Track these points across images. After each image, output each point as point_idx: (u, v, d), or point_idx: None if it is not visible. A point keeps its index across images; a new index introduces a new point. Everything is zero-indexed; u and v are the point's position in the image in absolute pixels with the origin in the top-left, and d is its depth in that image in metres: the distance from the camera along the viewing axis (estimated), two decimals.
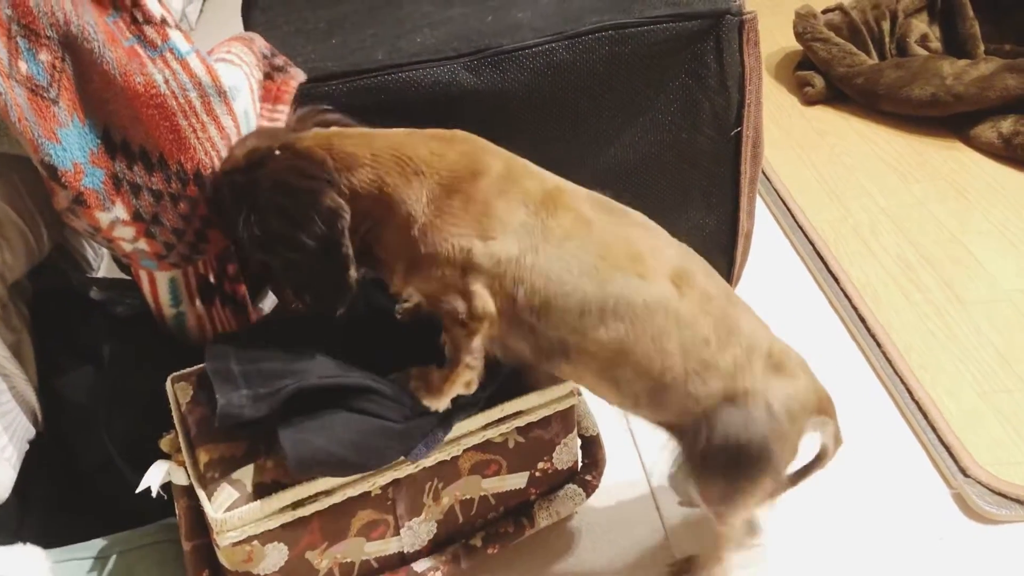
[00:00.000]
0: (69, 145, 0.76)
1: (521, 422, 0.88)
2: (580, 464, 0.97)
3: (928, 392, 1.11)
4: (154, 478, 0.82)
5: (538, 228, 0.74)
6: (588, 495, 0.95)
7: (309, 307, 0.79)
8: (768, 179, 1.55)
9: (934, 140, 1.62)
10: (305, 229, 0.72)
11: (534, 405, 0.87)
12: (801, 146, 1.64)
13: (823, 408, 0.84)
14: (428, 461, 0.84)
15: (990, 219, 1.41)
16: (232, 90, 0.84)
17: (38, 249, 0.96)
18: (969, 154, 1.57)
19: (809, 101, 1.78)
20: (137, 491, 0.82)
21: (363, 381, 0.78)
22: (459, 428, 0.84)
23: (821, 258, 1.35)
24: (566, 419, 0.91)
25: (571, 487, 0.95)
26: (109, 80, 0.73)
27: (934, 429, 1.06)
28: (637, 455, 1.06)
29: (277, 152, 0.75)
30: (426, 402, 0.80)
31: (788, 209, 1.46)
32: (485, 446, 0.88)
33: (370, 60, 0.98)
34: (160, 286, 0.91)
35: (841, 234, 1.40)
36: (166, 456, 0.85)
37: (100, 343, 0.95)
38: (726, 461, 0.76)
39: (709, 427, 0.76)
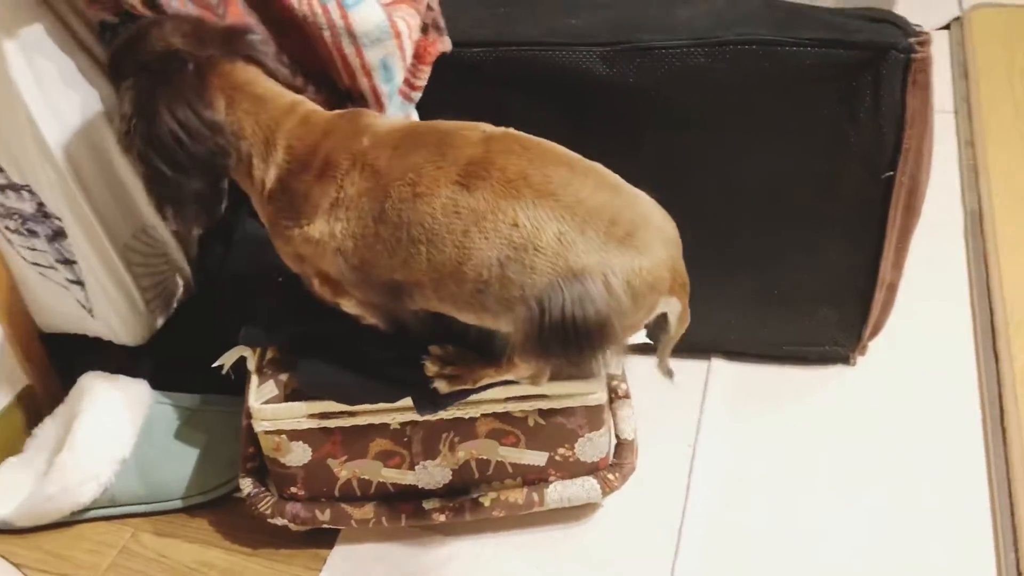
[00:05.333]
0: None
1: (543, 405, 0.92)
2: (610, 463, 0.99)
3: None
4: (228, 358, 0.98)
5: (341, 199, 0.79)
6: (604, 493, 0.97)
7: (166, 220, 0.88)
8: (982, 226, 1.38)
9: None
10: (190, 159, 0.79)
11: (557, 393, 0.91)
12: None
13: (675, 289, 0.79)
14: (445, 415, 0.91)
15: None
16: (364, 36, 0.92)
17: None
18: None
19: None
20: (213, 365, 0.98)
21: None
22: (481, 393, 0.90)
23: (993, 332, 1.20)
24: (593, 415, 0.93)
25: (589, 480, 0.97)
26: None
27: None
28: (687, 480, 1.05)
29: (191, 67, 0.80)
30: None
31: (987, 269, 1.31)
32: (504, 417, 0.93)
33: (517, 34, 1.02)
34: None
35: None
36: None
37: (235, 227, 1.09)
38: (564, 340, 0.74)
39: (541, 309, 0.74)
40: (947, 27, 1.95)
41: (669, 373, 0.90)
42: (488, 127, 0.81)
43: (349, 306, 0.86)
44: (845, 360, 1.18)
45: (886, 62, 0.94)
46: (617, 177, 0.80)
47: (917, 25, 0.97)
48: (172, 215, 0.85)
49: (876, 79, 0.95)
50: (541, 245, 0.74)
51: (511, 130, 0.82)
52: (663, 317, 0.82)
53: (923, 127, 0.98)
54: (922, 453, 1.07)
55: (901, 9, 1.58)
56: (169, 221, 0.86)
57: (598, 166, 0.80)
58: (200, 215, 0.85)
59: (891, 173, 1.00)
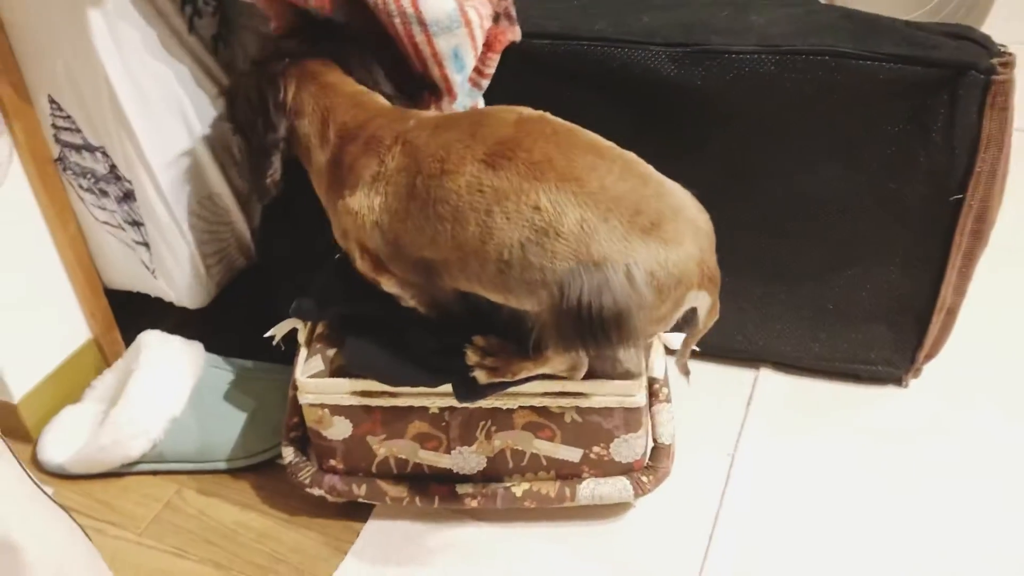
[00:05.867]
0: None
1: (581, 403, 0.92)
2: (645, 465, 0.99)
3: None
4: (280, 329, 1.00)
5: (382, 173, 0.82)
6: (637, 495, 0.97)
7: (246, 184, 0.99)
8: None
9: None
10: (253, 130, 0.90)
11: (596, 392, 0.91)
12: None
13: (704, 283, 0.77)
14: (484, 403, 0.92)
15: None
16: (434, 24, 0.93)
17: None
18: None
19: None
20: (264, 336, 1.00)
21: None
22: (520, 386, 0.90)
23: None
24: (630, 416, 0.93)
25: (622, 480, 0.97)
26: None
27: None
28: (722, 489, 1.05)
29: (287, 62, 0.90)
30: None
31: None
32: (541, 411, 0.93)
33: (588, 28, 1.02)
34: None
35: None
36: None
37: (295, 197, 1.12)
38: (580, 328, 0.73)
39: (561, 294, 0.73)
40: None
41: (686, 371, 0.88)
42: (525, 110, 0.82)
43: (389, 285, 0.88)
44: (898, 381, 1.16)
45: (964, 82, 0.91)
46: (648, 167, 0.80)
47: (1001, 45, 0.94)
48: (248, 183, 0.96)
49: (952, 99, 0.92)
50: (563, 231, 0.74)
51: (546, 114, 0.82)
52: (692, 311, 0.81)
53: (999, 151, 0.95)
54: (966, 486, 1.04)
55: (995, 21, 1.53)
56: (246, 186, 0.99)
57: (629, 155, 0.80)
58: (258, 185, 0.92)
59: (960, 196, 0.98)
